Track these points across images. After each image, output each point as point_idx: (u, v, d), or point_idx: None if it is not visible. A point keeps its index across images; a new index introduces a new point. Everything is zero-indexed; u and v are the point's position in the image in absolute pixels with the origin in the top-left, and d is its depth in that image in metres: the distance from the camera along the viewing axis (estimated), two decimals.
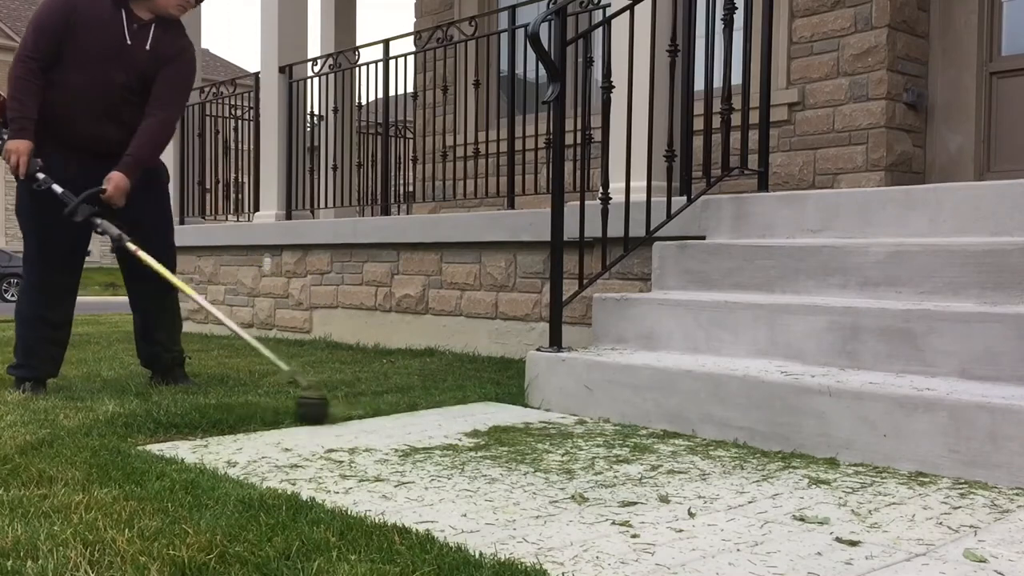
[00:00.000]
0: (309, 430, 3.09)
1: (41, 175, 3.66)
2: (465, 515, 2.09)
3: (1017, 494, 2.27)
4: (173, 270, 3.89)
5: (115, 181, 3.68)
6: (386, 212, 6.29)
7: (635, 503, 2.19)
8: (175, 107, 3.94)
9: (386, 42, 6.16)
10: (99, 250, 34.95)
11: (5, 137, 3.68)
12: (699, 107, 4.17)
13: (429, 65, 6.84)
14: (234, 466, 2.55)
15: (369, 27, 71.49)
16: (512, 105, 5.39)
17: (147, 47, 3.79)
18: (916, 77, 5.16)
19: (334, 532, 1.89)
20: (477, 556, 1.76)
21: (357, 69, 6.35)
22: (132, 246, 3.71)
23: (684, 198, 4.08)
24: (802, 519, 2.06)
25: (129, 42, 3.75)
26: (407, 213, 7.75)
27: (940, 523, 2.03)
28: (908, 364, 2.84)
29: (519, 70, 5.68)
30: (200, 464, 2.51)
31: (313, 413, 3.22)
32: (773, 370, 3.00)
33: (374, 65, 6.18)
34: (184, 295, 3.89)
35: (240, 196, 7.70)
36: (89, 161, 3.72)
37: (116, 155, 3.71)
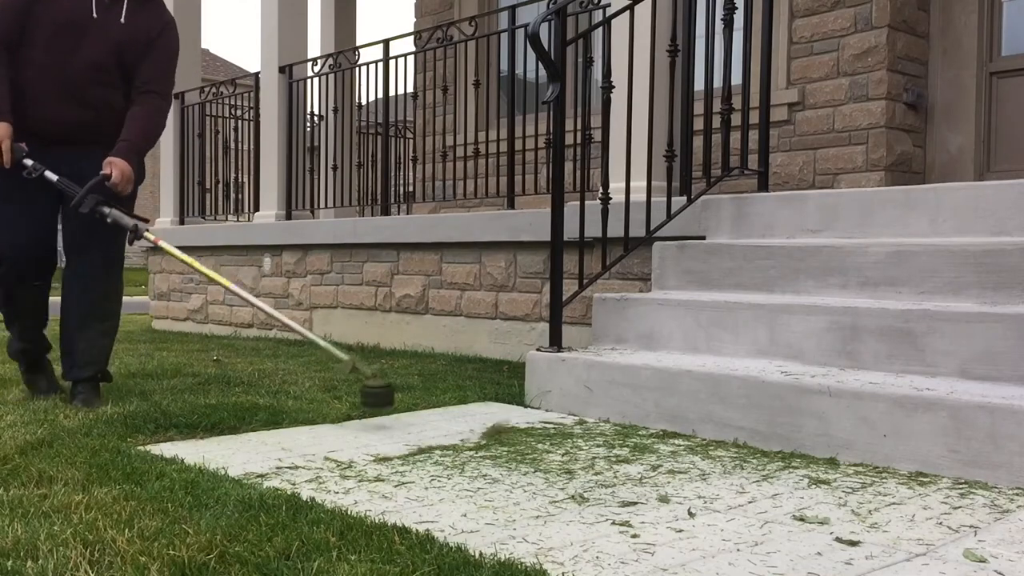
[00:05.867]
0: (309, 430, 3.09)
1: (29, 161, 3.36)
2: (465, 515, 2.09)
3: (1017, 494, 2.27)
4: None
5: (119, 166, 3.36)
6: (386, 212, 6.30)
7: (635, 503, 2.19)
8: (167, 90, 3.70)
9: (386, 42, 6.16)
10: None
11: None
12: (699, 107, 4.17)
13: (429, 65, 6.83)
14: (234, 466, 2.54)
15: (369, 27, 71.59)
16: (512, 105, 5.39)
17: (121, 21, 3.51)
18: (916, 77, 5.16)
19: (334, 532, 1.89)
20: (477, 556, 1.76)
21: (357, 69, 6.35)
22: (152, 236, 3.48)
23: (684, 198, 4.08)
24: (802, 519, 2.06)
25: (95, 15, 3.45)
26: (407, 213, 7.75)
27: (940, 523, 2.03)
28: (908, 364, 2.84)
29: (519, 70, 5.68)
30: (200, 464, 2.51)
31: (380, 401, 3.21)
32: (773, 370, 3.00)
33: (374, 65, 6.19)
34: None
35: (240, 196, 7.70)
36: (54, 149, 3.42)
37: (81, 142, 3.47)
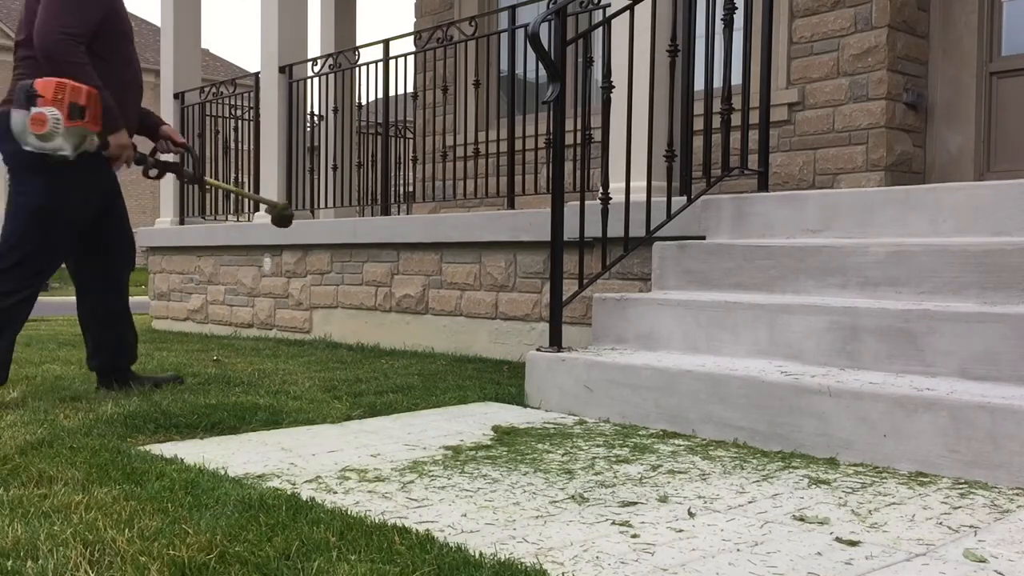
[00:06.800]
0: (309, 430, 3.09)
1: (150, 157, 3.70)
2: (465, 515, 2.09)
3: (1017, 494, 2.27)
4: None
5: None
6: (386, 212, 6.30)
7: (635, 503, 2.19)
8: None
9: (386, 42, 6.16)
10: None
11: (92, 140, 3.31)
12: (699, 107, 4.17)
13: (429, 65, 6.84)
14: (234, 466, 2.54)
15: (369, 27, 71.58)
16: (512, 105, 5.39)
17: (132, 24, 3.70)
18: (916, 77, 5.16)
19: (334, 532, 1.89)
20: (477, 556, 1.76)
21: (357, 69, 6.35)
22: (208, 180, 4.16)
23: (684, 198, 4.08)
24: (802, 519, 2.06)
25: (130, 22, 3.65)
26: (407, 213, 7.76)
27: (940, 523, 2.03)
28: (908, 364, 2.84)
29: (519, 70, 5.68)
30: (200, 464, 2.51)
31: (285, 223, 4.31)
32: (773, 370, 3.00)
33: (374, 65, 6.18)
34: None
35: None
36: None
37: None
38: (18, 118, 3.20)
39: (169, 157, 3.94)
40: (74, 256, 3.66)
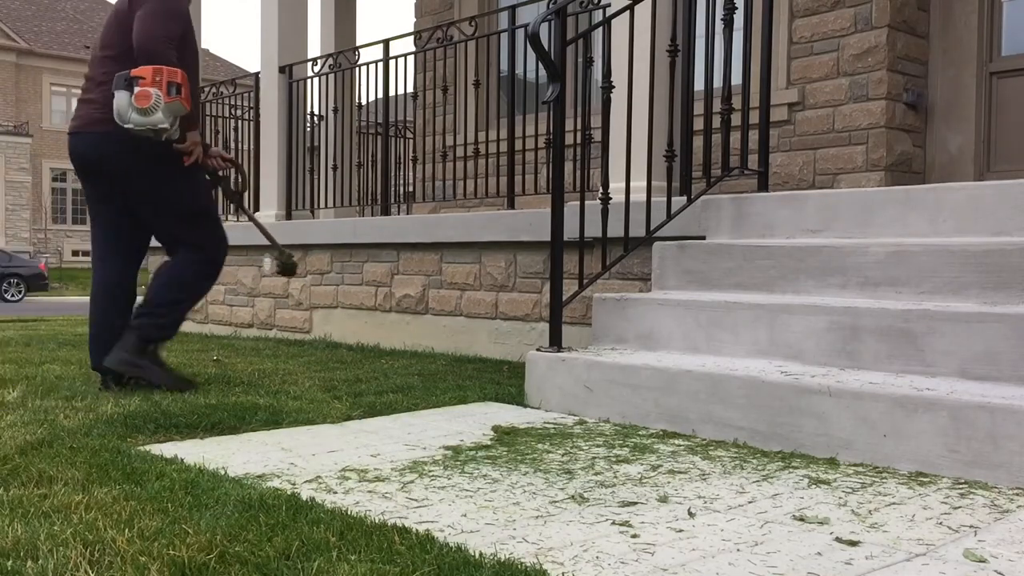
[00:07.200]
0: (309, 430, 3.09)
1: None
2: (465, 515, 2.09)
3: (1017, 494, 2.27)
4: None
5: None
6: (386, 212, 6.30)
7: (635, 503, 2.19)
8: None
9: (386, 42, 6.16)
10: None
11: (170, 127, 3.58)
12: (699, 107, 4.17)
13: (429, 65, 6.84)
14: (234, 466, 2.54)
15: (369, 27, 71.57)
16: (512, 105, 5.39)
17: None
18: (916, 77, 5.16)
19: (334, 532, 1.89)
20: (477, 556, 1.76)
21: (357, 69, 6.35)
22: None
23: (684, 198, 4.08)
24: (802, 519, 2.06)
25: None
26: (407, 213, 7.76)
27: (940, 523, 2.03)
28: (908, 364, 2.84)
29: (519, 70, 5.68)
30: (200, 464, 2.51)
31: (290, 271, 4.48)
32: (773, 370, 3.00)
33: (374, 65, 6.19)
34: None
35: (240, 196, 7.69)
36: None
37: None
38: (122, 98, 3.51)
39: None
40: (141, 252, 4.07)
